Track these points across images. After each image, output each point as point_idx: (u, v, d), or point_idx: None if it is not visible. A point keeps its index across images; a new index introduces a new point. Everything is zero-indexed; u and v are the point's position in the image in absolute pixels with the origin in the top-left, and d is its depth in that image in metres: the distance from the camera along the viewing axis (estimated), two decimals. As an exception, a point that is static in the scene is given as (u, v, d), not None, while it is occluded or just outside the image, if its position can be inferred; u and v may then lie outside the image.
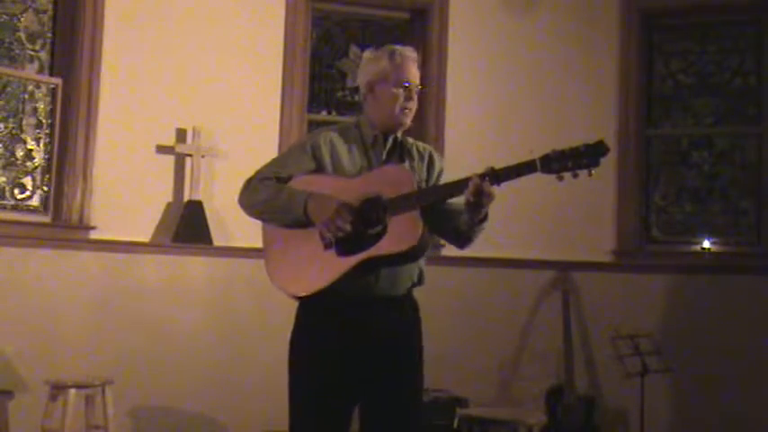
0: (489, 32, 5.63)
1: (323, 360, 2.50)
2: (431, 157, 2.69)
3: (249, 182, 2.59)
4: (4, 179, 4.81)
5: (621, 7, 5.62)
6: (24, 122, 4.88)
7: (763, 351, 5.09)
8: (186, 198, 5.05)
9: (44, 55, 5.00)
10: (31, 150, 4.89)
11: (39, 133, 4.92)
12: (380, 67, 2.58)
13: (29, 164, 4.89)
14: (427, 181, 2.63)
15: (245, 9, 5.27)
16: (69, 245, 4.77)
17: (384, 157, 2.60)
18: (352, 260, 2.42)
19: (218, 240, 5.01)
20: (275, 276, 2.53)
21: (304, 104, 5.42)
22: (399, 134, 2.64)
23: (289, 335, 2.59)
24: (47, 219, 4.87)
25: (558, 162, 2.30)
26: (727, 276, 5.27)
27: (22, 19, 4.92)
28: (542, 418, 4.66)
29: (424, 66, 5.41)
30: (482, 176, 2.35)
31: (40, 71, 4.97)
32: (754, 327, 5.13)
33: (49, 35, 5.00)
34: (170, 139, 5.08)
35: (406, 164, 2.60)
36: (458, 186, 2.40)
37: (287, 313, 2.62)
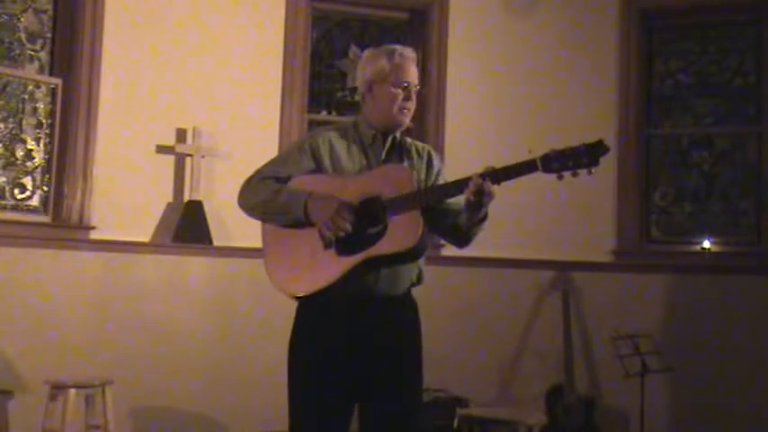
0: (489, 33, 5.63)
1: (322, 360, 2.50)
2: (429, 156, 2.69)
3: (248, 182, 2.59)
4: (4, 179, 4.81)
5: (621, 8, 5.62)
6: (24, 122, 4.88)
7: (763, 351, 5.09)
8: (186, 198, 5.06)
9: (44, 55, 5.00)
10: (31, 150, 4.90)
11: (39, 133, 4.92)
12: (379, 66, 2.58)
13: (29, 164, 4.89)
14: (426, 180, 2.63)
15: (245, 9, 5.28)
16: (69, 245, 4.77)
17: (383, 156, 2.60)
18: (353, 260, 2.42)
19: (218, 240, 5.01)
20: (275, 276, 2.53)
21: (304, 104, 5.42)
22: (398, 134, 2.64)
23: (288, 335, 2.59)
24: (47, 219, 4.87)
25: (558, 161, 2.30)
26: (727, 276, 5.27)
27: (22, 19, 4.92)
28: (542, 418, 4.66)
29: (424, 66, 5.43)
30: (482, 176, 2.35)
31: (40, 71, 4.98)
32: (754, 327, 5.13)
33: (49, 35, 5.01)
34: (170, 139, 5.08)
35: (405, 163, 2.61)
36: (458, 186, 2.40)
37: (287, 313, 2.62)
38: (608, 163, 5.19)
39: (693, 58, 5.72)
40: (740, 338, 5.11)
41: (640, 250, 5.54)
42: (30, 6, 4.95)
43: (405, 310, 2.59)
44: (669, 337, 5.17)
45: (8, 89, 4.83)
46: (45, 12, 5.00)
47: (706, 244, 5.33)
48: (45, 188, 4.90)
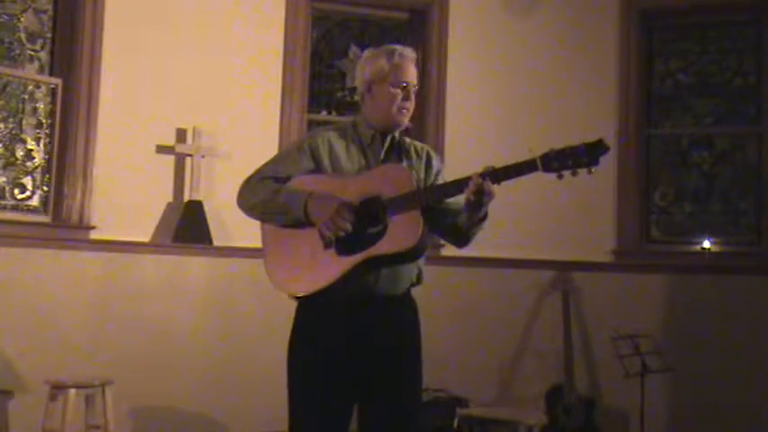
0: (489, 33, 5.63)
1: (322, 360, 2.50)
2: (428, 156, 2.69)
3: (247, 182, 2.59)
4: (4, 179, 4.81)
5: (621, 8, 5.62)
6: (24, 122, 4.88)
7: (763, 351, 5.09)
8: (186, 198, 5.05)
9: (44, 55, 5.00)
10: (31, 150, 4.89)
11: (39, 133, 4.92)
12: (378, 66, 2.58)
13: (29, 164, 4.89)
14: (425, 180, 2.63)
15: (245, 9, 5.27)
16: (69, 245, 4.77)
17: (382, 156, 2.60)
18: (353, 260, 2.42)
19: (218, 240, 5.01)
20: (275, 276, 2.53)
21: (304, 104, 5.42)
22: (397, 134, 2.64)
23: (288, 335, 2.59)
24: (47, 219, 4.87)
25: (558, 161, 2.30)
26: (727, 276, 5.27)
27: (22, 19, 4.92)
28: (542, 418, 4.66)
29: (424, 66, 5.43)
30: (482, 175, 2.35)
31: (40, 71, 4.98)
32: (754, 327, 5.13)
33: (49, 35, 5.00)
34: (170, 139, 5.08)
35: (404, 163, 2.60)
36: (458, 185, 2.40)
37: (287, 313, 2.62)
38: (608, 163, 5.22)
39: (693, 58, 5.72)
40: (740, 338, 5.11)
41: (640, 250, 5.54)
42: (30, 6, 4.95)
43: (404, 309, 2.59)
44: (669, 337, 5.17)
45: (8, 89, 4.82)
46: (45, 12, 5.00)
47: (706, 244, 5.33)
48: (45, 188, 4.90)
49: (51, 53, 5.00)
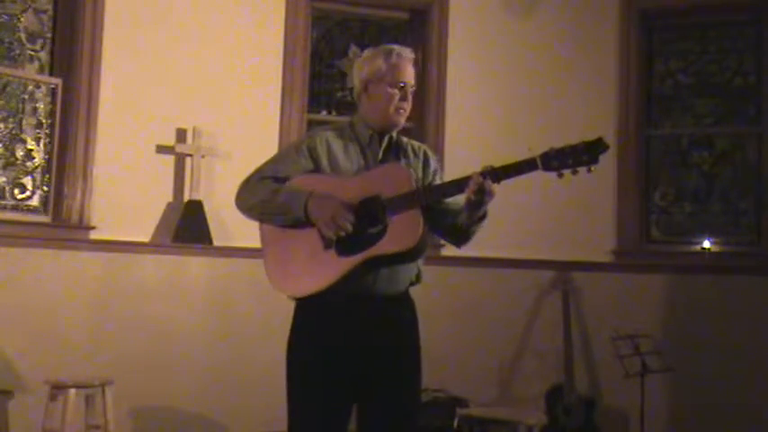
0: (489, 33, 5.63)
1: (321, 359, 2.49)
2: (426, 155, 2.69)
3: (247, 182, 2.59)
4: (4, 179, 4.80)
5: (621, 8, 5.62)
6: (24, 122, 4.88)
7: (763, 351, 5.09)
8: (186, 198, 5.06)
9: (44, 55, 5.00)
10: (31, 150, 4.89)
11: (39, 133, 4.92)
12: (376, 66, 2.58)
13: (29, 164, 4.89)
14: (423, 179, 2.63)
15: (245, 9, 5.28)
16: (69, 245, 4.77)
17: (380, 156, 2.60)
18: (353, 260, 2.41)
19: (218, 240, 5.01)
20: (274, 277, 2.53)
21: (304, 104, 5.42)
22: (394, 133, 2.64)
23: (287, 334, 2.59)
24: (47, 219, 4.87)
25: (558, 160, 2.30)
26: (727, 276, 5.27)
27: (22, 19, 4.92)
28: (542, 418, 4.65)
29: (424, 66, 5.43)
30: (483, 174, 2.35)
31: (40, 71, 4.98)
32: (754, 327, 5.13)
33: (49, 35, 5.00)
34: (170, 139, 5.08)
35: (402, 162, 2.60)
36: (458, 184, 2.40)
37: (287, 313, 2.61)
38: (608, 163, 5.24)
39: (693, 58, 5.72)
40: (740, 338, 5.10)
41: (640, 250, 5.54)
42: (30, 6, 4.95)
43: (403, 309, 2.59)
44: (669, 337, 5.17)
45: (8, 89, 4.82)
46: (45, 12, 5.00)
47: (706, 244, 5.33)
48: (45, 188, 4.90)
49: (51, 53, 5.00)
